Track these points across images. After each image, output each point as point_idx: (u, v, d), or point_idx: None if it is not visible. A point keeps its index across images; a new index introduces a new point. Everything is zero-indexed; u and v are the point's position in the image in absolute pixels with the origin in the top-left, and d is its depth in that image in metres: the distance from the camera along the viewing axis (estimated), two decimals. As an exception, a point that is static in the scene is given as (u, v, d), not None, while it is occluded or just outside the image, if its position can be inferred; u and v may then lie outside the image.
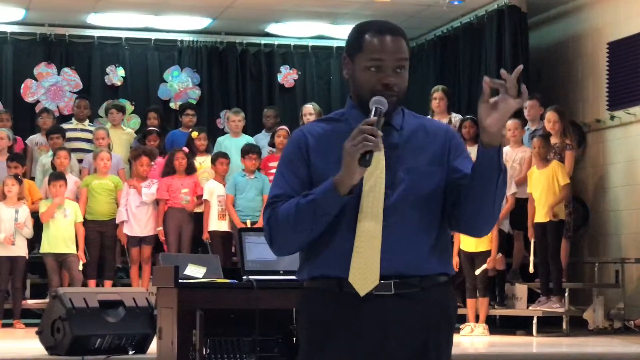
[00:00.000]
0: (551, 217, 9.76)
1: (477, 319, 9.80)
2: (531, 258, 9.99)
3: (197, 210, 10.99)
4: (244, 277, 5.34)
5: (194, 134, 11.62)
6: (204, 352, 5.22)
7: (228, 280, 5.45)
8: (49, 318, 6.96)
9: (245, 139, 11.81)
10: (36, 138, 12.12)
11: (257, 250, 5.42)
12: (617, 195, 11.12)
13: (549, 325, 10.07)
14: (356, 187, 2.94)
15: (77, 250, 10.52)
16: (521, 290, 10.22)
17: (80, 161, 11.71)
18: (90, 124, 12.44)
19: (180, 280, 5.29)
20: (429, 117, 3.18)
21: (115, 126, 12.29)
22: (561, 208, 9.91)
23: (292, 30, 13.81)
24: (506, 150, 10.66)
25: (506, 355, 7.95)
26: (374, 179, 2.99)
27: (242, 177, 10.86)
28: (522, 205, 10.13)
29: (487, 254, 9.69)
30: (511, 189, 10.14)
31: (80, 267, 10.46)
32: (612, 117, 11.11)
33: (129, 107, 13.35)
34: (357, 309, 2.97)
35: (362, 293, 2.95)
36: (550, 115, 10.33)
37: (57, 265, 10.46)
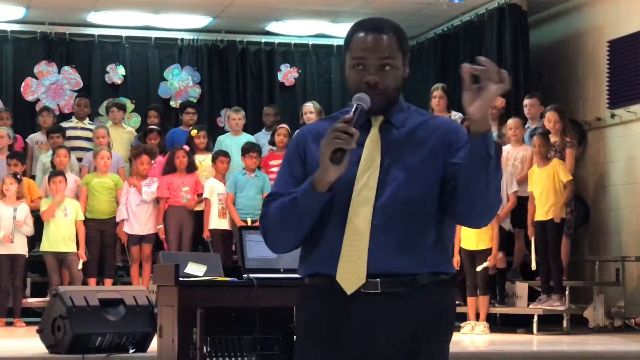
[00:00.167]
0: (555, 217, 9.75)
1: (477, 317, 9.79)
2: (533, 256, 9.98)
3: (198, 208, 11.00)
4: (245, 276, 5.34)
5: (194, 132, 11.62)
6: (205, 350, 5.22)
7: (228, 278, 5.44)
8: (49, 316, 6.96)
9: (246, 137, 11.81)
10: (36, 137, 12.12)
11: (258, 248, 5.42)
12: (617, 194, 11.12)
13: (550, 323, 10.07)
14: (340, 185, 2.95)
15: (78, 248, 10.52)
16: (522, 288, 10.22)
17: (80, 160, 11.71)
18: (91, 122, 12.44)
19: (180, 279, 5.29)
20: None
21: (116, 124, 12.29)
22: (567, 203, 9.91)
23: (293, 29, 13.81)
24: (507, 148, 10.67)
25: (507, 353, 7.95)
26: (367, 177, 2.99)
27: (243, 176, 10.86)
28: (523, 204, 10.13)
29: (487, 252, 9.69)
30: (512, 187, 10.14)
31: (80, 266, 10.47)
32: (613, 115, 11.11)
33: (130, 106, 13.35)
34: (347, 306, 2.98)
35: (348, 292, 2.97)
36: (551, 115, 10.33)
37: (57, 263, 10.46)
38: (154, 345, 6.31)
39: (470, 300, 9.82)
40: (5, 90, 13.19)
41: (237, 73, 13.90)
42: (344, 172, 2.94)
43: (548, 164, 9.89)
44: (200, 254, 9.61)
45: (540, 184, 9.87)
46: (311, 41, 14.13)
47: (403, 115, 3.09)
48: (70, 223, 10.53)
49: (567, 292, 9.91)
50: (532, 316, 9.84)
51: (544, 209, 9.83)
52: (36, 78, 13.33)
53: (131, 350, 6.96)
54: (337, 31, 13.46)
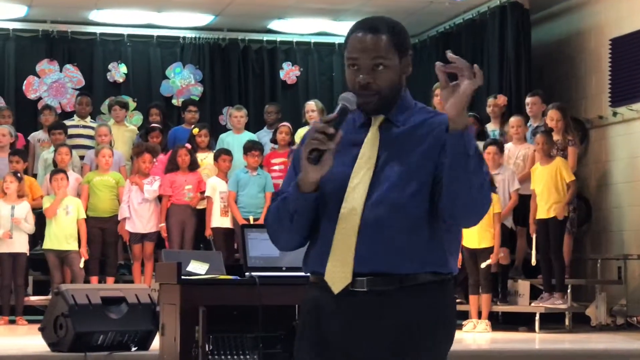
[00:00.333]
0: (558, 215, 9.75)
1: (479, 315, 9.79)
2: (533, 252, 9.98)
3: (200, 206, 11.00)
4: (247, 274, 5.34)
5: (195, 131, 11.62)
6: (207, 349, 5.22)
7: (231, 276, 5.45)
8: (51, 314, 6.96)
9: (248, 135, 11.81)
10: (38, 135, 12.12)
11: (260, 246, 5.43)
12: (619, 192, 11.11)
13: (552, 321, 10.07)
14: (336, 184, 2.97)
15: (79, 247, 10.53)
16: (524, 286, 10.21)
17: (82, 158, 11.71)
18: (92, 120, 12.44)
19: (182, 277, 5.30)
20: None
21: (118, 123, 12.29)
22: (565, 205, 9.91)
23: (295, 27, 13.80)
24: (509, 147, 10.68)
25: (508, 351, 7.95)
26: (360, 176, 3.00)
27: (245, 174, 10.86)
28: (525, 202, 10.13)
29: (489, 250, 9.69)
30: (514, 185, 10.14)
31: (82, 264, 10.47)
32: (615, 114, 11.10)
33: (131, 104, 13.35)
34: (336, 305, 3.00)
35: (335, 291, 2.99)
36: (553, 114, 10.33)
37: (58, 261, 10.47)
38: (156, 343, 6.32)
39: (472, 298, 9.82)
40: (7, 88, 13.19)
41: (239, 71, 13.90)
42: (326, 172, 2.95)
43: (551, 162, 9.88)
44: (203, 252, 9.64)
45: (542, 182, 9.87)
46: (313, 39, 14.13)
47: (406, 114, 3.08)
48: (72, 221, 10.53)
49: (569, 290, 9.91)
50: (534, 314, 9.84)
51: (545, 207, 9.83)
52: (38, 76, 13.33)
53: (133, 349, 6.96)
54: (339, 29, 13.45)
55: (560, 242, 9.86)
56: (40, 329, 7.08)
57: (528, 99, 11.00)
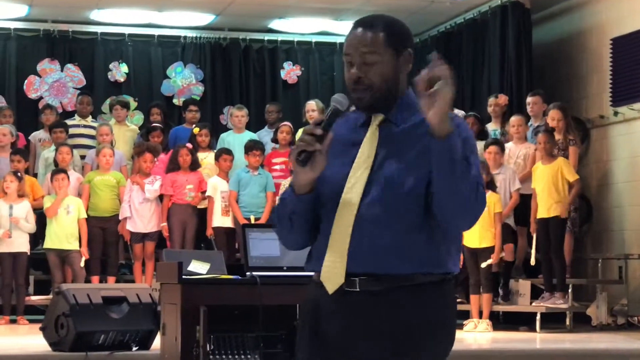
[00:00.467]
0: (561, 214, 9.75)
1: (480, 315, 9.79)
2: (532, 251, 9.98)
3: (201, 206, 11.00)
4: (248, 273, 5.34)
5: (196, 130, 11.62)
6: (208, 348, 5.23)
7: (232, 276, 5.45)
8: (52, 314, 6.97)
9: (248, 135, 11.82)
10: (39, 134, 12.12)
11: (261, 246, 5.43)
12: (620, 191, 11.11)
13: (553, 321, 10.07)
14: (334, 184, 2.98)
15: (80, 246, 10.53)
16: (524, 286, 10.21)
17: (82, 157, 11.71)
18: (93, 120, 12.45)
19: (184, 277, 5.30)
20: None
21: (120, 122, 12.29)
22: (567, 204, 9.91)
23: (296, 27, 13.80)
24: (510, 146, 10.68)
25: (509, 351, 7.95)
26: (357, 175, 2.99)
27: (246, 173, 10.86)
28: (525, 202, 10.13)
29: (490, 249, 9.69)
30: (515, 185, 10.14)
31: (82, 263, 10.48)
32: (616, 113, 11.10)
33: (132, 104, 13.36)
34: (332, 304, 3.00)
35: (329, 291, 2.99)
36: (554, 113, 10.33)
37: (59, 261, 10.47)
38: (157, 343, 6.32)
39: (473, 298, 9.82)
40: (8, 88, 13.19)
41: (240, 71, 13.90)
42: (319, 173, 2.97)
43: (553, 162, 9.88)
44: (204, 251, 9.64)
45: (544, 181, 9.86)
46: (314, 39, 14.13)
47: (407, 113, 3.05)
48: (73, 221, 10.54)
49: (570, 290, 9.91)
50: (535, 314, 9.84)
51: (546, 206, 9.83)
52: (39, 76, 13.34)
53: (134, 348, 6.96)
54: (340, 29, 13.45)
55: (561, 242, 9.85)
56: (42, 329, 7.09)
57: (529, 99, 11.00)
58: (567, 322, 9.90)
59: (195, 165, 11.08)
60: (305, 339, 3.08)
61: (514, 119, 10.81)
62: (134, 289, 7.24)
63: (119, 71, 13.62)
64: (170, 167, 11.05)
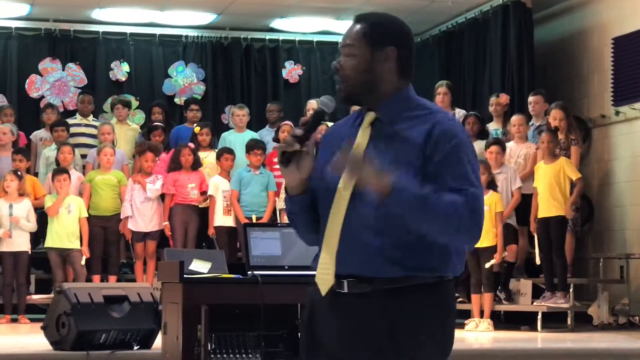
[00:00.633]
0: (566, 214, 9.74)
1: (481, 315, 9.79)
2: (536, 251, 9.97)
3: (203, 205, 11.00)
4: (249, 273, 5.35)
5: (197, 129, 11.62)
6: (209, 347, 5.23)
7: (233, 275, 5.45)
8: (53, 313, 6.97)
9: (250, 134, 11.82)
10: (40, 133, 12.12)
11: (262, 245, 5.43)
12: (621, 191, 11.11)
13: (554, 320, 10.07)
14: (330, 185, 3.00)
15: (82, 245, 10.54)
16: (526, 285, 10.21)
17: (84, 156, 11.71)
18: (95, 119, 12.45)
19: (185, 276, 5.30)
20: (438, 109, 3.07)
21: (121, 121, 12.29)
22: (570, 204, 9.90)
23: (297, 26, 13.80)
24: (510, 145, 10.67)
25: (510, 350, 7.95)
26: (347, 178, 2.99)
27: (247, 173, 10.87)
28: (526, 201, 10.12)
29: (492, 249, 9.68)
30: (516, 184, 10.13)
31: (83, 262, 10.48)
32: (617, 113, 11.10)
33: (134, 103, 13.36)
34: (325, 305, 3.02)
35: (322, 292, 3.01)
36: (556, 113, 10.32)
37: (60, 260, 10.48)
38: (158, 342, 6.32)
39: (474, 297, 9.82)
40: (9, 87, 13.19)
41: (242, 70, 13.90)
42: (303, 175, 2.99)
43: (555, 161, 9.87)
44: (205, 251, 9.64)
45: (545, 181, 9.86)
46: (315, 38, 14.12)
47: (398, 110, 3.03)
48: (74, 220, 10.54)
49: (571, 290, 9.91)
50: (536, 313, 9.83)
51: (547, 206, 9.82)
52: (40, 75, 13.34)
53: (135, 347, 6.97)
54: (342, 28, 13.44)
55: (562, 241, 9.85)
56: (43, 328, 7.09)
57: (530, 98, 11.00)
58: (569, 322, 9.90)
59: (197, 164, 11.08)
60: (303, 339, 3.11)
61: (514, 118, 10.80)
62: (135, 288, 7.24)
63: (121, 70, 13.62)
64: (171, 166, 11.05)
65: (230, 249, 10.45)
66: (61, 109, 12.89)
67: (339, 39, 14.93)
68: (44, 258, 10.76)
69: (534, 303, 10.01)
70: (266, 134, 12.09)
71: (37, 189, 10.90)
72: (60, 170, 10.66)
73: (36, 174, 11.44)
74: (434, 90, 11.42)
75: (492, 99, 11.34)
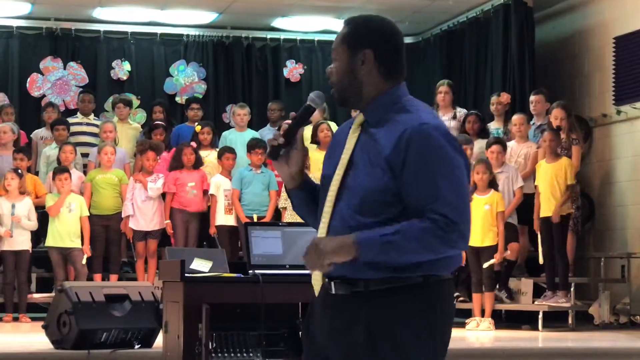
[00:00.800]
0: (554, 215, 9.74)
1: (482, 314, 9.79)
2: (540, 250, 9.97)
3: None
4: (250, 272, 5.35)
5: (198, 128, 11.62)
6: (210, 346, 5.23)
7: (234, 274, 5.45)
8: (54, 312, 6.97)
9: (251, 133, 11.82)
10: (41, 132, 12.12)
11: (263, 244, 5.43)
12: (623, 190, 11.10)
13: (555, 320, 10.06)
14: (325, 184, 3.03)
15: (83, 244, 10.54)
16: (527, 285, 10.21)
17: (85, 155, 11.71)
18: (96, 118, 12.45)
19: (186, 275, 5.30)
20: (427, 110, 3.02)
21: (122, 120, 12.29)
22: (566, 203, 9.89)
23: (298, 25, 13.80)
24: (511, 144, 10.67)
25: (512, 349, 7.95)
26: (336, 177, 3.01)
27: (249, 172, 10.87)
28: (526, 200, 10.12)
29: (492, 248, 9.68)
30: (518, 183, 10.13)
31: (84, 261, 10.48)
32: (619, 112, 11.09)
33: (135, 102, 13.36)
34: (321, 305, 3.05)
35: (315, 293, 3.06)
36: (557, 112, 10.32)
37: (61, 259, 10.48)
38: (159, 341, 6.32)
39: (475, 296, 9.81)
40: (10, 85, 13.20)
41: (243, 69, 13.90)
42: (293, 169, 3.05)
43: (557, 161, 9.87)
44: (206, 250, 9.62)
45: (547, 180, 9.85)
46: (317, 37, 14.12)
47: (382, 112, 3.00)
48: (75, 219, 10.55)
49: (572, 289, 9.90)
50: (537, 313, 9.83)
51: (548, 205, 9.82)
52: (42, 74, 13.34)
53: (136, 346, 6.97)
54: (343, 27, 13.44)
55: (563, 240, 9.84)
56: (44, 327, 7.09)
57: (532, 97, 10.99)
58: (570, 321, 9.90)
59: (198, 163, 11.09)
60: (303, 337, 3.15)
61: (515, 118, 10.80)
62: (137, 287, 7.24)
63: (122, 69, 13.62)
64: (173, 165, 11.05)
65: (232, 248, 10.45)
66: (62, 108, 12.90)
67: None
68: (45, 257, 10.76)
69: (535, 302, 10.01)
70: (267, 133, 12.08)
71: (38, 188, 10.90)
72: (61, 169, 10.66)
73: (37, 173, 11.44)
74: (435, 89, 11.42)
75: (493, 98, 11.33)
